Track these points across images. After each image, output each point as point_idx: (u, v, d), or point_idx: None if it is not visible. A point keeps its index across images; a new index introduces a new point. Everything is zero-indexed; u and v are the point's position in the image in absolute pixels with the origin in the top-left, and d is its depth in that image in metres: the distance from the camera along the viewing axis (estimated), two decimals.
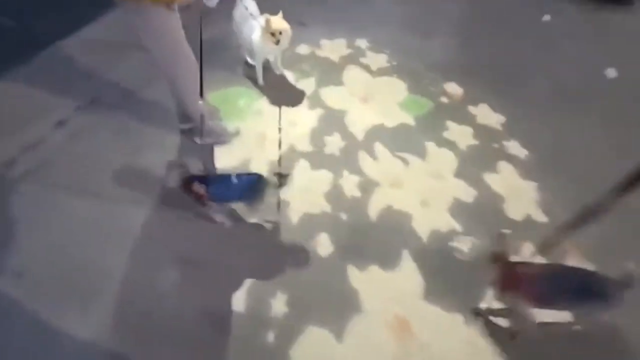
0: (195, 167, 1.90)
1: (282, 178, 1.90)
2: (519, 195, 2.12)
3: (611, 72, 2.93)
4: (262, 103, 2.67)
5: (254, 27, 2.49)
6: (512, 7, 3.68)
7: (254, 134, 2.42)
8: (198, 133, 2.31)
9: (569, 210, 1.98)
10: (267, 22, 2.34)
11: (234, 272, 1.76)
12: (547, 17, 3.52)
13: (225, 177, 1.83)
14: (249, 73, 2.85)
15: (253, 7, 2.55)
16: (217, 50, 2.84)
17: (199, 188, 1.73)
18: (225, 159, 2.27)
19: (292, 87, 2.81)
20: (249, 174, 1.88)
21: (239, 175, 1.82)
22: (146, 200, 2.03)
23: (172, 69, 2.03)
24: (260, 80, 2.79)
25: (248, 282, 1.71)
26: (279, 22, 2.39)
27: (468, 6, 3.68)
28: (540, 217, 2.01)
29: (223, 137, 2.38)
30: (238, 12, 2.59)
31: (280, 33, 2.39)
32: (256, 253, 1.84)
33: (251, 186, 1.80)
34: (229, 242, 1.88)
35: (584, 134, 2.47)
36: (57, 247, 1.81)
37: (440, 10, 3.63)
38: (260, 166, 2.22)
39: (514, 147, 2.37)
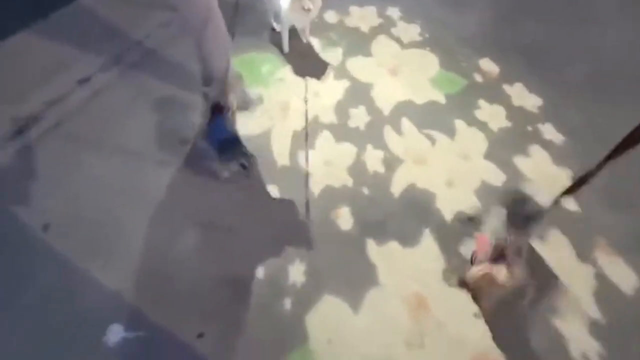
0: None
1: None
2: (551, 182, 2.02)
3: None
4: (286, 71, 2.58)
5: None
6: None
7: (276, 103, 2.36)
8: (222, 97, 2.27)
9: (602, 201, 1.92)
10: None
11: (254, 239, 1.75)
12: None
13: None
14: (275, 39, 2.75)
15: None
16: (242, 13, 2.73)
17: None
18: (247, 127, 2.22)
19: (318, 56, 2.70)
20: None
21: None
22: (168, 160, 2.02)
23: (201, 30, 1.96)
24: (286, 48, 2.69)
25: (268, 250, 1.71)
26: None
27: None
28: (572, 206, 1.92)
29: (245, 104, 2.32)
30: None
31: (311, 2, 2.29)
32: (277, 222, 1.82)
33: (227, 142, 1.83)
34: (252, 209, 1.86)
35: (625, 122, 2.31)
36: (81, 202, 1.83)
37: None
38: (282, 136, 2.17)
39: (549, 131, 2.25)
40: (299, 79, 2.52)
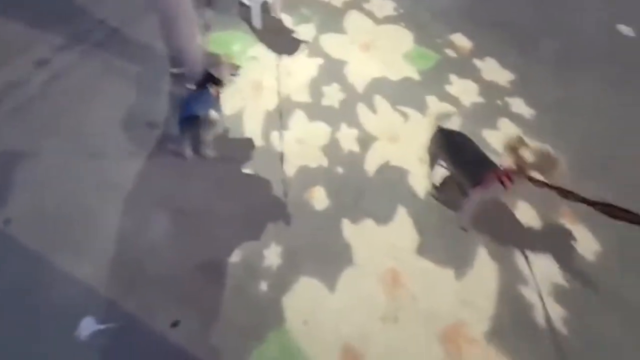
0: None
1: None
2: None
3: (625, 30, 2.74)
4: (258, 49, 2.48)
5: None
6: None
7: (249, 82, 2.27)
8: (190, 78, 2.16)
9: (574, 172, 1.95)
10: None
11: (228, 223, 1.71)
12: None
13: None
14: (245, 15, 2.62)
15: None
16: None
17: None
18: (223, 108, 2.13)
19: (290, 33, 2.60)
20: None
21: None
22: (136, 145, 1.93)
23: (168, 7, 1.83)
24: (259, 24, 2.57)
25: (243, 233, 1.67)
26: None
27: None
28: (538, 177, 1.95)
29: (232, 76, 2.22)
30: None
31: None
32: (251, 204, 1.78)
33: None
34: (225, 191, 1.81)
35: (593, 94, 2.35)
36: (44, 193, 1.74)
37: None
38: (255, 116, 2.10)
39: (519, 105, 2.25)
40: (271, 57, 2.42)
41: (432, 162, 1.78)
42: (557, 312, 1.53)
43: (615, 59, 2.59)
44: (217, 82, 1.87)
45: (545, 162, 1.42)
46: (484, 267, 1.63)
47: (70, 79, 2.20)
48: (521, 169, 1.44)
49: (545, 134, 2.10)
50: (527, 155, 1.44)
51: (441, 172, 1.86)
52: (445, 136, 1.67)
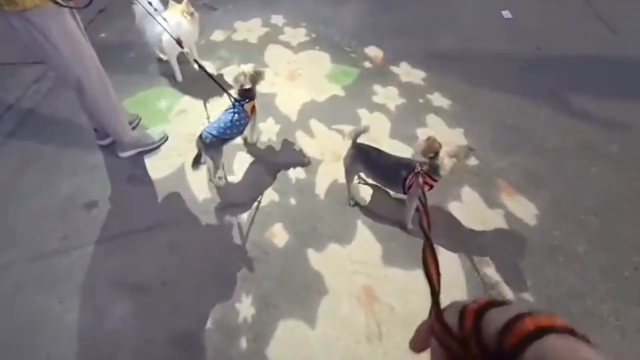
0: None
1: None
2: (450, 143, 2.08)
3: (506, 14, 2.97)
4: (185, 101, 2.35)
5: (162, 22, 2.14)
6: None
7: (182, 136, 2.13)
8: (120, 147, 2.00)
9: (493, 147, 2.04)
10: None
11: (190, 287, 1.55)
12: None
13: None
14: (164, 70, 2.48)
15: (155, 1, 2.16)
16: (121, 51, 2.43)
17: None
18: (157, 170, 1.98)
19: (214, 78, 2.49)
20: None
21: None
22: (74, 232, 1.72)
23: (80, 75, 1.64)
24: (179, 77, 2.45)
25: (209, 294, 1.53)
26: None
27: None
28: (472, 160, 2.00)
29: (149, 146, 2.06)
30: (140, 7, 2.16)
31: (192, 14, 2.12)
32: (211, 260, 1.64)
33: None
34: (183, 255, 1.65)
35: (491, 76, 2.48)
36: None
37: None
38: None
39: (437, 99, 2.33)
40: (200, 107, 2.31)
41: (350, 177, 1.74)
42: (515, 285, 1.55)
43: (501, 38, 2.77)
44: (252, 98, 1.82)
45: (462, 154, 1.45)
46: (446, 259, 1.61)
47: None
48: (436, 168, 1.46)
49: (462, 119, 2.19)
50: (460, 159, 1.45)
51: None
52: (361, 151, 1.62)
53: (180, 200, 1.85)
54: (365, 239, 1.70)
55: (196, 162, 1.76)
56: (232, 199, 1.84)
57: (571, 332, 0.23)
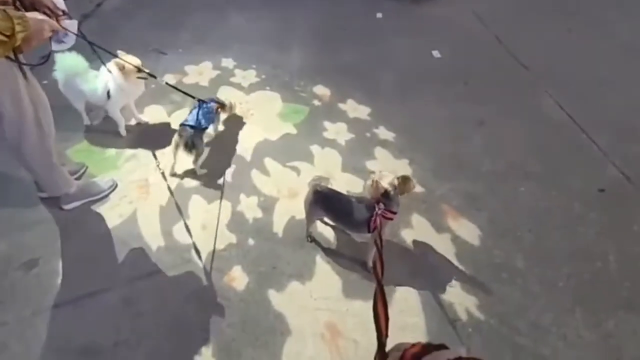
0: None
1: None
2: (397, 173, 2.18)
3: (436, 53, 3.26)
4: (135, 146, 2.25)
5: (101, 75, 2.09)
6: (351, 10, 3.81)
7: (132, 183, 2.03)
8: (64, 199, 1.85)
9: (436, 174, 2.17)
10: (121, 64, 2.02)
11: (147, 346, 1.43)
12: (379, 15, 3.74)
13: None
14: (95, 133, 2.31)
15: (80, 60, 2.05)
16: (64, 98, 2.28)
17: None
18: (108, 219, 1.85)
19: (164, 124, 2.43)
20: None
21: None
22: (15, 296, 1.53)
23: (19, 132, 1.51)
24: (123, 131, 2.30)
25: (166, 351, 1.41)
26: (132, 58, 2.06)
27: (314, 15, 3.69)
28: (418, 188, 2.10)
29: (97, 195, 1.93)
30: (63, 69, 2.04)
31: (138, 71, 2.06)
32: (171, 315, 1.53)
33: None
34: (132, 312, 1.52)
35: (427, 109, 2.67)
36: None
37: (291, 22, 3.56)
38: (150, 216, 1.87)
39: (383, 132, 2.45)
40: (149, 153, 2.22)
41: (310, 218, 1.73)
42: (471, 301, 1.61)
43: (434, 75, 3.02)
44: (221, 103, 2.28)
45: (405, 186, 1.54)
46: (405, 287, 1.64)
47: None
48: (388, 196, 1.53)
49: (406, 150, 2.32)
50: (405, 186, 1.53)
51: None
52: (321, 196, 1.62)
53: (133, 251, 1.73)
54: (326, 273, 1.69)
55: (187, 146, 1.96)
56: (188, 245, 1.76)
57: None
